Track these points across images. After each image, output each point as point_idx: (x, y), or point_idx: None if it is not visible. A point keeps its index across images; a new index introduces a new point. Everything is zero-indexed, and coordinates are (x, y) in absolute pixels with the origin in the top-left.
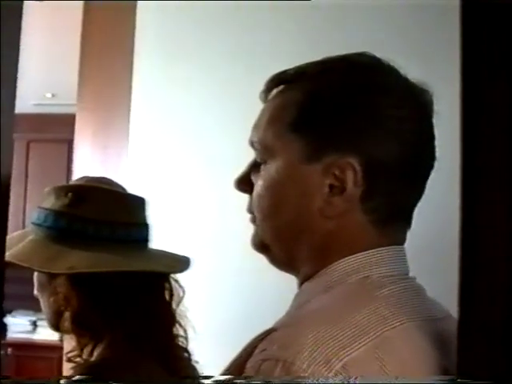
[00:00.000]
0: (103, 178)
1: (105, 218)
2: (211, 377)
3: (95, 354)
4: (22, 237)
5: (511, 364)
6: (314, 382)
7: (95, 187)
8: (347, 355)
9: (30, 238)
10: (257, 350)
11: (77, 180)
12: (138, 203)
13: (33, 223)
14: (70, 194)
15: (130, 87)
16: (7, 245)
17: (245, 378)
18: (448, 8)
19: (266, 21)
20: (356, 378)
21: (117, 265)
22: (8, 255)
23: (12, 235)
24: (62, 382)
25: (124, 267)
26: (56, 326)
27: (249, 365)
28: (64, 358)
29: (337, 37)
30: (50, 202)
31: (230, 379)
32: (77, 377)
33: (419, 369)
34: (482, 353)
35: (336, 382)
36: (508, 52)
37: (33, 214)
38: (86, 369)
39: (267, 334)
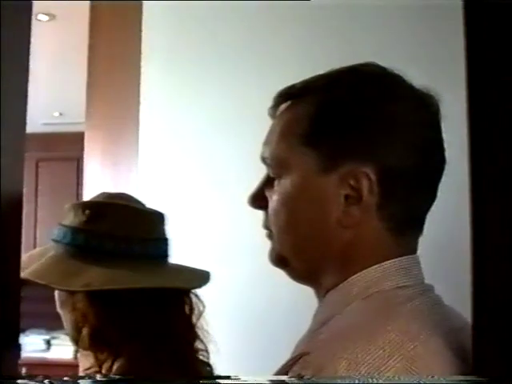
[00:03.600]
0: (122, 193)
1: (122, 233)
2: None
3: (114, 370)
4: (43, 253)
5: None
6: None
7: (112, 203)
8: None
9: (50, 254)
10: (290, 375)
11: (96, 196)
12: (157, 218)
13: (53, 240)
14: (87, 211)
15: (138, 104)
16: (28, 261)
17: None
18: (450, 10)
19: (271, 23)
20: (382, 378)
21: (133, 281)
22: (27, 272)
23: (33, 252)
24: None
25: (140, 284)
26: (77, 342)
27: None
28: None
29: (337, 36)
30: (68, 219)
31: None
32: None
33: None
34: (497, 352)
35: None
36: None
37: (53, 231)
38: None
39: (298, 357)
